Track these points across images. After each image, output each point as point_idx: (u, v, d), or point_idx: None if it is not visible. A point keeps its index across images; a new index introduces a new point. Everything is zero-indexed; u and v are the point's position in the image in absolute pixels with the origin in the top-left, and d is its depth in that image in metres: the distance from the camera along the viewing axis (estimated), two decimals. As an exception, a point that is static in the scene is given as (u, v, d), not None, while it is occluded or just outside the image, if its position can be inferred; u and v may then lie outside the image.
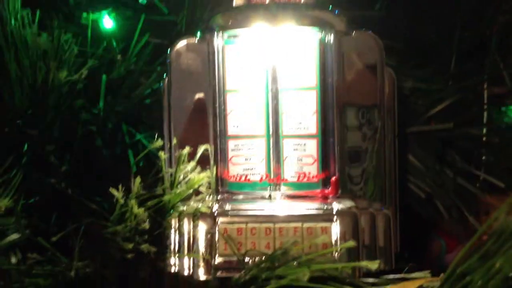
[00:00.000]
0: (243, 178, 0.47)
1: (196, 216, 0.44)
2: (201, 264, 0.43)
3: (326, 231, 0.43)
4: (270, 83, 0.47)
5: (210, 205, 0.45)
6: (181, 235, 0.44)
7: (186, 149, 0.44)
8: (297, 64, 0.47)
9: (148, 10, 0.55)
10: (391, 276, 0.42)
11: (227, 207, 0.45)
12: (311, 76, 0.47)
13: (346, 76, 0.46)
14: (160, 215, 0.43)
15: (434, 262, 0.60)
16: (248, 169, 0.47)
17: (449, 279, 0.33)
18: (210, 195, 0.45)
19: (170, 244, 0.44)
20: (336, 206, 0.44)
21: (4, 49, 0.42)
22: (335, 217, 0.44)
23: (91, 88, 0.48)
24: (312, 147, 0.47)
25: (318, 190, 0.47)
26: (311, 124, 0.47)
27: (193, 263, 0.43)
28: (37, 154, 0.44)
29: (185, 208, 0.44)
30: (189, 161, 0.44)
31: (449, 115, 0.58)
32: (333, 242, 0.43)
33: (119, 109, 0.51)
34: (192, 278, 0.43)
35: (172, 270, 0.44)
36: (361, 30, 0.46)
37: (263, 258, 0.40)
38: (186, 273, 0.43)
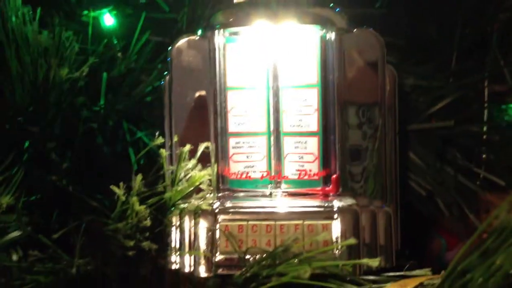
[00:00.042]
0: (244, 175, 0.47)
1: (197, 213, 0.44)
2: (202, 261, 0.43)
3: (327, 229, 0.43)
4: (271, 80, 0.47)
5: (211, 202, 0.45)
6: (182, 232, 0.44)
7: (187, 147, 0.44)
8: (298, 62, 0.47)
9: (149, 7, 0.55)
10: (392, 274, 0.42)
11: (228, 204, 0.45)
12: (312, 73, 0.47)
13: (347, 73, 0.46)
14: (161, 212, 0.43)
15: (435, 260, 0.60)
16: (249, 166, 0.47)
17: (449, 277, 0.33)
18: (211, 192, 0.45)
19: (171, 241, 0.44)
20: (337, 203, 0.44)
21: (5, 46, 0.42)
22: (336, 215, 0.44)
23: (92, 86, 0.48)
24: (313, 144, 0.47)
25: (319, 188, 0.47)
26: (312, 122, 0.47)
27: (194, 260, 0.44)
28: (38, 151, 0.44)
29: (186, 205, 0.44)
30: (190, 158, 0.44)
31: (449, 112, 0.58)
32: (334, 239, 0.43)
33: (120, 106, 0.51)
34: (193, 275, 0.43)
35: (173, 268, 0.44)
36: (362, 27, 0.46)
37: (264, 256, 0.40)
38: (187, 270, 0.44)
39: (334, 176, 0.46)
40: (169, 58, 0.47)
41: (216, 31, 0.46)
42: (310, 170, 0.47)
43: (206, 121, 0.46)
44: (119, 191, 0.40)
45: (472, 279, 0.32)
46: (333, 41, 0.46)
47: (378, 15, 0.58)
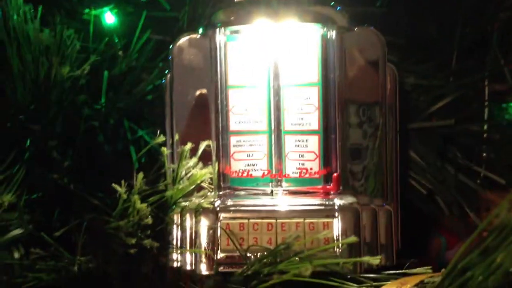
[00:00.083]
0: (245, 173, 0.47)
1: (198, 211, 0.44)
2: (203, 259, 0.43)
3: (328, 227, 0.43)
4: (272, 79, 0.47)
5: (212, 200, 0.45)
6: (183, 230, 0.44)
7: (188, 145, 0.44)
8: (299, 60, 0.47)
9: (150, 6, 0.55)
10: (392, 272, 0.43)
11: (229, 202, 0.45)
12: (313, 72, 0.47)
13: (348, 72, 0.46)
14: (163, 210, 0.43)
15: (435, 259, 0.61)
16: (250, 164, 0.47)
17: (450, 274, 0.34)
18: (212, 191, 0.45)
19: (173, 239, 0.44)
20: (337, 202, 0.45)
21: (7, 45, 0.42)
22: (336, 213, 0.44)
23: (93, 84, 0.48)
24: (314, 143, 0.47)
25: (320, 186, 0.47)
26: (313, 120, 0.47)
27: (195, 258, 0.44)
28: (39, 150, 0.44)
29: (187, 203, 0.44)
30: (191, 157, 0.44)
31: (450, 111, 0.58)
32: (335, 237, 0.43)
33: (121, 105, 0.51)
34: (194, 273, 0.43)
35: (175, 265, 0.44)
36: (363, 26, 0.46)
37: (265, 254, 0.41)
38: (188, 268, 0.44)
39: (335, 174, 0.46)
40: (170, 57, 0.47)
41: (217, 30, 0.46)
42: (311, 169, 0.47)
43: (207, 119, 0.46)
44: (120, 189, 0.40)
45: (473, 277, 0.32)
46: (334, 40, 0.46)
47: (378, 14, 0.58)
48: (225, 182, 0.47)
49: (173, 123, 0.46)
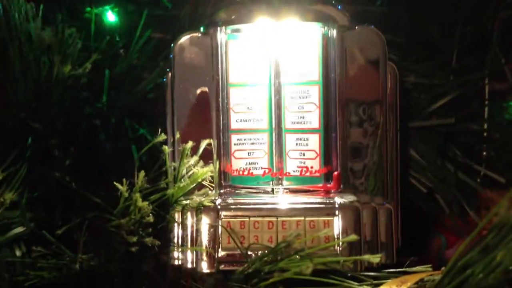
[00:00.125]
0: (246, 172, 0.47)
1: (199, 209, 0.44)
2: (204, 257, 0.43)
3: (329, 225, 0.44)
4: (273, 77, 0.47)
5: (213, 199, 0.45)
6: (184, 228, 0.44)
7: (189, 143, 0.44)
8: (300, 59, 0.47)
9: (151, 4, 0.55)
10: (392, 270, 0.43)
11: (230, 201, 0.45)
12: (313, 70, 0.47)
13: (349, 71, 0.46)
14: (164, 209, 0.43)
15: (435, 257, 0.61)
16: (251, 163, 0.47)
17: (449, 273, 0.34)
18: (213, 189, 0.46)
19: (174, 237, 0.44)
20: (338, 200, 0.45)
21: (8, 43, 0.42)
22: (337, 211, 0.44)
23: (94, 83, 0.48)
24: (314, 141, 0.47)
25: (321, 185, 0.47)
26: (314, 119, 0.47)
27: (197, 256, 0.44)
28: (41, 148, 0.44)
29: (188, 202, 0.44)
30: (192, 155, 0.44)
31: (450, 110, 0.58)
32: (335, 236, 0.43)
33: (122, 103, 0.52)
34: (195, 271, 0.43)
35: (176, 263, 0.44)
36: (363, 25, 0.46)
37: (265, 252, 0.41)
38: (189, 266, 0.44)
39: (336, 173, 0.46)
40: (171, 55, 0.47)
41: (218, 28, 0.46)
42: (312, 167, 0.47)
43: (208, 118, 0.46)
44: (122, 187, 0.40)
45: (472, 274, 0.32)
46: (335, 38, 0.46)
47: (379, 13, 0.58)
48: (226, 181, 0.47)
49: (174, 122, 0.46)
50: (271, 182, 0.47)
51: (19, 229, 0.42)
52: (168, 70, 0.47)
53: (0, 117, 0.44)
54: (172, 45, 0.47)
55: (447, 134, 0.59)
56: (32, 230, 0.42)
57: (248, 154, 0.47)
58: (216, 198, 0.45)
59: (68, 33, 0.43)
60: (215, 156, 0.46)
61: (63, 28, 0.43)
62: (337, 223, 0.44)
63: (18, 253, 0.42)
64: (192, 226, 0.44)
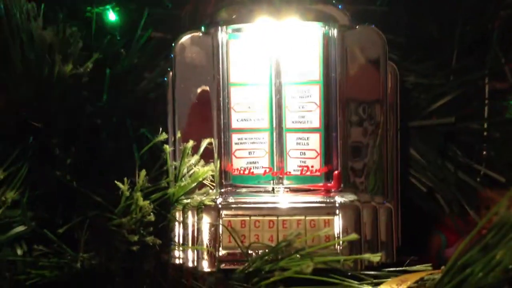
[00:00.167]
0: (246, 171, 0.47)
1: (200, 209, 0.44)
2: (205, 256, 0.44)
3: (329, 224, 0.44)
4: (273, 77, 0.47)
5: (214, 198, 0.45)
6: (185, 227, 0.44)
7: (190, 143, 0.44)
8: (301, 58, 0.47)
9: (152, 4, 0.55)
10: (393, 269, 0.43)
11: (231, 200, 0.45)
12: (314, 70, 0.47)
13: (349, 70, 0.46)
14: (165, 208, 0.43)
15: (435, 256, 0.61)
16: (252, 162, 0.47)
17: (449, 271, 0.34)
18: (213, 188, 0.46)
19: (175, 236, 0.44)
20: (338, 199, 0.45)
21: (10, 43, 0.42)
22: (337, 211, 0.44)
23: (95, 82, 0.48)
24: (315, 141, 0.47)
25: (321, 184, 0.47)
26: (314, 118, 0.47)
27: (197, 255, 0.44)
28: (42, 147, 0.44)
29: (189, 201, 0.44)
30: (193, 154, 0.45)
31: (450, 109, 0.58)
32: (336, 235, 0.44)
33: (124, 103, 0.52)
34: (196, 270, 0.44)
35: (177, 262, 0.44)
36: (364, 24, 0.46)
37: (266, 251, 0.41)
38: (190, 265, 0.44)
39: (336, 172, 0.46)
40: (172, 55, 0.47)
41: (219, 28, 0.46)
42: (312, 166, 0.47)
43: (209, 117, 0.47)
44: (123, 186, 0.40)
45: (472, 273, 0.32)
46: (335, 38, 0.46)
47: (379, 13, 0.58)
48: (226, 180, 0.47)
49: (175, 121, 0.47)
50: (271, 181, 0.47)
51: (20, 228, 0.42)
52: (169, 69, 0.47)
53: (1, 116, 0.44)
54: (173, 44, 0.47)
55: (447, 134, 0.59)
56: (33, 229, 0.42)
57: (249, 153, 0.48)
58: (217, 197, 0.45)
59: (69, 32, 0.43)
60: (216, 155, 0.46)
61: (64, 28, 0.43)
62: (338, 222, 0.44)
63: (19, 252, 0.42)
64: (193, 225, 0.44)
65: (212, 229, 0.44)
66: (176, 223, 0.44)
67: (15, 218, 0.42)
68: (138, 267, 0.41)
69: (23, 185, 0.43)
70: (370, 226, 0.44)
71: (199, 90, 0.47)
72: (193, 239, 0.44)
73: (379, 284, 0.40)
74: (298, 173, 0.47)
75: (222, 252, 0.44)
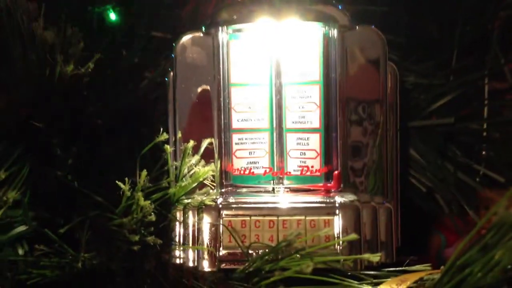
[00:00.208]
0: (247, 171, 0.47)
1: (200, 208, 0.44)
2: (206, 256, 0.44)
3: (329, 224, 0.44)
4: (274, 77, 0.47)
5: (214, 198, 0.45)
6: (186, 227, 0.44)
7: (191, 143, 0.44)
8: (301, 59, 0.47)
9: (153, 4, 0.55)
10: (392, 269, 0.43)
11: (231, 200, 0.46)
12: (314, 70, 0.47)
13: (349, 70, 0.46)
14: (165, 208, 0.43)
15: (434, 256, 0.61)
16: (252, 162, 0.48)
17: (449, 271, 0.34)
18: (214, 188, 0.46)
19: (175, 236, 0.44)
20: (338, 199, 0.45)
21: (11, 43, 0.42)
22: (337, 211, 0.44)
23: (96, 82, 0.48)
24: (315, 141, 0.47)
25: (321, 184, 0.47)
26: (314, 118, 0.47)
27: (198, 255, 0.44)
28: (43, 147, 0.44)
29: (190, 201, 0.44)
30: (193, 154, 0.45)
31: (450, 110, 0.58)
32: (336, 235, 0.44)
33: (124, 103, 0.52)
34: (196, 269, 0.44)
35: (177, 262, 0.44)
36: (364, 25, 0.47)
37: (266, 250, 0.41)
38: (190, 264, 0.44)
39: (336, 172, 0.47)
40: (173, 55, 0.47)
41: (220, 28, 0.47)
42: (312, 166, 0.47)
43: (209, 117, 0.47)
44: (124, 186, 0.41)
45: (471, 273, 0.32)
46: (336, 38, 0.46)
47: (379, 13, 0.58)
48: (227, 180, 0.48)
49: (176, 121, 0.47)
50: (272, 181, 0.48)
51: (22, 228, 0.42)
52: (170, 69, 0.47)
53: (2, 117, 0.44)
54: (174, 44, 0.47)
55: (446, 134, 0.59)
56: (34, 229, 0.42)
57: (249, 153, 0.48)
58: (218, 197, 0.46)
59: (71, 32, 0.43)
60: (216, 155, 0.46)
61: (66, 28, 0.43)
62: (337, 222, 0.44)
63: (20, 251, 0.42)
64: (194, 225, 0.44)
65: (213, 229, 0.44)
66: (177, 223, 0.44)
67: (17, 218, 0.42)
68: (139, 267, 0.41)
69: (24, 185, 0.43)
70: (369, 226, 0.45)
71: (199, 90, 0.47)
72: (194, 239, 0.44)
73: (378, 284, 0.40)
74: (298, 173, 0.47)
75: (222, 252, 0.44)
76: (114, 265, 0.41)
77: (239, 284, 0.41)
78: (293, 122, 0.48)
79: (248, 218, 0.44)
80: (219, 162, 0.46)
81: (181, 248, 0.44)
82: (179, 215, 0.44)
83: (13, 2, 0.41)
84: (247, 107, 0.48)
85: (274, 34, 0.47)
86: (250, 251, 0.43)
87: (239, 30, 0.47)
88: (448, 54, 0.59)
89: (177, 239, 0.44)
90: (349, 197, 0.45)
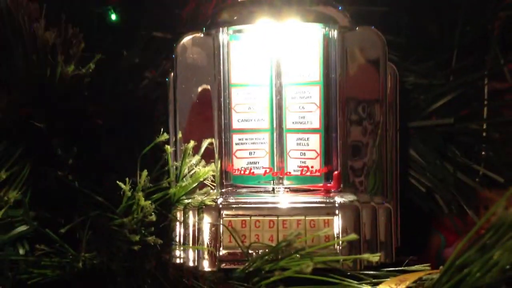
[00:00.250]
0: (247, 171, 0.47)
1: (201, 208, 0.44)
2: (206, 256, 0.44)
3: (329, 224, 0.44)
4: (274, 77, 0.47)
5: (214, 198, 0.45)
6: (186, 227, 0.44)
7: (191, 143, 0.44)
8: (301, 59, 0.47)
9: (154, 4, 0.55)
10: (392, 269, 0.43)
11: (231, 200, 0.46)
12: (314, 71, 0.47)
13: (349, 71, 0.46)
14: (166, 208, 0.43)
15: (434, 256, 0.61)
16: (252, 162, 0.48)
17: (448, 271, 0.34)
18: (214, 188, 0.46)
19: (176, 236, 0.44)
20: (338, 199, 0.45)
21: (12, 43, 0.42)
22: (337, 211, 0.44)
23: (97, 82, 0.48)
24: (315, 141, 0.47)
25: (321, 184, 0.47)
26: (314, 119, 0.47)
27: (198, 255, 0.44)
28: (44, 147, 0.44)
29: (190, 201, 0.45)
30: (194, 154, 0.45)
31: (450, 110, 0.58)
32: (335, 235, 0.44)
33: (124, 102, 0.52)
34: (197, 269, 0.44)
35: (177, 262, 0.44)
36: (364, 25, 0.47)
37: (266, 250, 0.41)
38: (191, 264, 0.44)
39: (336, 172, 0.47)
40: (173, 55, 0.47)
41: (220, 29, 0.47)
42: (312, 167, 0.47)
43: (210, 117, 0.47)
44: (125, 186, 0.41)
45: (470, 273, 0.32)
46: (336, 39, 0.46)
47: (379, 14, 0.58)
48: (227, 180, 0.48)
49: (176, 121, 0.47)
50: (272, 182, 0.48)
51: (23, 228, 0.42)
52: (170, 70, 0.48)
53: (3, 117, 0.44)
54: (174, 45, 0.47)
55: (446, 134, 0.59)
56: (35, 229, 0.42)
57: (250, 153, 0.48)
58: (218, 197, 0.46)
59: (71, 33, 0.43)
60: (216, 155, 0.46)
61: (67, 28, 0.43)
62: (337, 223, 0.44)
63: (21, 251, 0.42)
64: (194, 225, 0.44)
65: (213, 229, 0.44)
66: (177, 223, 0.45)
67: (17, 218, 0.42)
68: (139, 266, 0.42)
69: (25, 185, 0.43)
70: (369, 226, 0.45)
71: (200, 91, 0.47)
72: (194, 239, 0.44)
73: (378, 283, 0.40)
74: (298, 173, 0.47)
75: (222, 251, 0.44)
76: (114, 265, 0.41)
77: (239, 284, 0.41)
78: (293, 123, 0.48)
79: (248, 218, 0.44)
80: (219, 162, 0.46)
81: (182, 248, 0.44)
82: (179, 215, 0.45)
83: (14, 2, 0.41)
84: (247, 107, 0.48)
85: (274, 35, 0.47)
86: (250, 251, 0.43)
87: (239, 31, 0.47)
88: (448, 54, 0.60)
89: (177, 239, 0.44)
90: (348, 197, 0.46)
